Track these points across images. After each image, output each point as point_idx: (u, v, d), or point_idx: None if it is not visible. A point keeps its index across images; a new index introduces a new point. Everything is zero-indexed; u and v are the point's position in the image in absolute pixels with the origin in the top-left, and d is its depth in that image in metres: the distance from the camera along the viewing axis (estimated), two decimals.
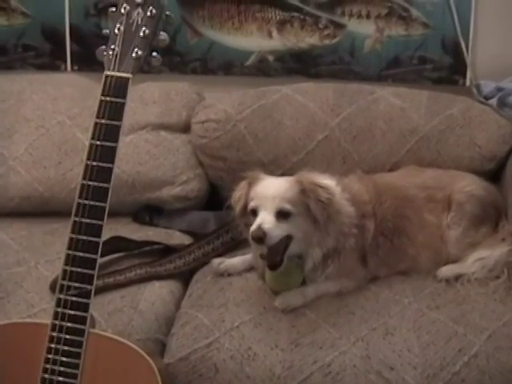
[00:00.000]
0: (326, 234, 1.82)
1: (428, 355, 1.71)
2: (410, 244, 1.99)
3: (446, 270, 1.98)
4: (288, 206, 1.76)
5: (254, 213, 1.78)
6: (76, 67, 2.69)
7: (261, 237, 1.72)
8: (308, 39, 2.59)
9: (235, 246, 2.13)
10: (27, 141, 2.36)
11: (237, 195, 1.88)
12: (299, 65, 2.63)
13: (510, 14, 2.52)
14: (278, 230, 1.75)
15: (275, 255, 1.78)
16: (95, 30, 2.62)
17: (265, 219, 1.74)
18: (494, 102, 2.35)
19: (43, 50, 2.69)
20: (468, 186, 2.08)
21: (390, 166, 2.27)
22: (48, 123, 2.38)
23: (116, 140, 1.52)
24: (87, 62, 2.63)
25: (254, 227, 1.73)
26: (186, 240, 2.24)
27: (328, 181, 1.88)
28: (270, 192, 1.79)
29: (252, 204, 1.80)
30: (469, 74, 2.56)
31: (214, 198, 2.41)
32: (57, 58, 2.69)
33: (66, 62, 2.69)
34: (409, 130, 2.29)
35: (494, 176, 2.28)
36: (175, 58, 2.64)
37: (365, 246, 1.93)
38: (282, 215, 1.76)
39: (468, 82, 2.56)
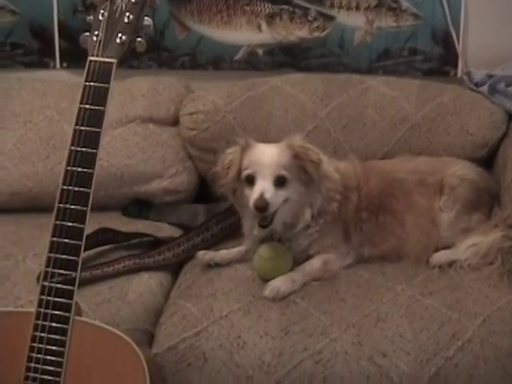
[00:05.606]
0: (317, 193, 1.88)
1: (421, 341, 1.69)
2: (396, 223, 1.99)
3: (439, 257, 1.96)
4: (284, 173, 1.82)
5: (250, 180, 1.82)
6: (65, 64, 2.67)
7: (264, 206, 1.76)
8: (297, 32, 2.57)
9: (225, 237, 2.11)
10: (15, 136, 2.35)
11: (227, 160, 1.89)
12: (289, 58, 2.61)
13: (500, 3, 2.51)
14: (278, 197, 1.80)
15: (267, 217, 1.82)
16: (84, 26, 2.60)
17: (265, 188, 1.79)
18: (484, 88, 2.33)
19: (32, 48, 2.67)
20: (460, 170, 2.07)
21: (381, 154, 2.26)
22: (36, 118, 2.37)
23: (100, 125, 1.50)
24: (76, 58, 2.60)
25: (256, 196, 1.78)
26: (176, 233, 2.21)
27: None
28: (265, 159, 1.83)
29: (248, 171, 1.83)
30: (460, 65, 2.55)
31: (204, 190, 2.40)
32: (45, 55, 2.67)
33: (54, 59, 2.67)
34: (399, 119, 2.28)
35: (486, 163, 2.26)
36: (164, 54, 2.63)
37: (347, 217, 1.95)
38: (279, 182, 1.81)
39: (459, 73, 2.55)
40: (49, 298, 1.45)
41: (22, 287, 1.89)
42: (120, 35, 1.53)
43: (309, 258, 1.93)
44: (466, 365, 1.66)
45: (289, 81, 2.38)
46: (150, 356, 1.65)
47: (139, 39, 1.55)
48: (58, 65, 2.67)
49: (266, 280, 1.86)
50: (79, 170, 1.48)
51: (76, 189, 1.47)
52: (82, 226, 1.47)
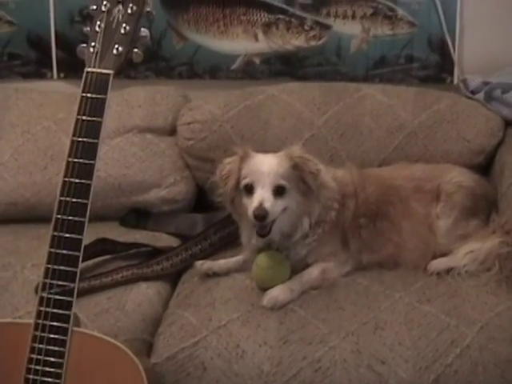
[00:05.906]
0: (315, 202, 1.89)
1: (420, 348, 1.69)
2: (393, 230, 2.00)
3: (437, 264, 1.96)
4: (283, 182, 1.83)
5: (249, 189, 1.83)
6: (62, 75, 2.68)
7: (263, 215, 1.77)
8: (294, 41, 2.59)
9: (223, 246, 2.12)
10: (13, 146, 2.35)
11: (226, 170, 1.90)
12: (286, 67, 2.62)
13: (496, 10, 2.52)
14: (277, 206, 1.81)
15: (266, 226, 1.82)
16: (81, 37, 2.60)
17: (264, 197, 1.79)
18: (480, 96, 2.34)
19: (29, 59, 2.68)
20: (457, 177, 2.07)
21: (378, 162, 2.26)
22: (33, 128, 2.37)
23: (97, 136, 1.50)
24: (73, 69, 2.61)
25: (255, 205, 1.78)
26: (174, 242, 2.21)
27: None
28: (264, 169, 1.84)
29: (247, 180, 1.84)
30: (456, 72, 2.56)
31: (202, 200, 2.40)
32: (43, 65, 2.68)
33: (52, 69, 2.68)
34: (396, 126, 2.29)
35: (483, 170, 2.26)
36: (161, 63, 2.64)
37: (345, 225, 1.95)
38: (277, 191, 1.82)
39: (455, 80, 2.56)
40: (47, 308, 1.45)
41: (20, 298, 1.89)
42: (117, 46, 1.53)
43: (307, 266, 1.93)
44: (465, 371, 1.65)
45: (286, 89, 2.39)
46: (149, 366, 1.65)
47: (136, 50, 1.56)
48: (55, 75, 2.69)
49: (264, 289, 1.86)
50: (77, 181, 1.48)
51: (74, 200, 1.47)
52: (80, 236, 1.47)
